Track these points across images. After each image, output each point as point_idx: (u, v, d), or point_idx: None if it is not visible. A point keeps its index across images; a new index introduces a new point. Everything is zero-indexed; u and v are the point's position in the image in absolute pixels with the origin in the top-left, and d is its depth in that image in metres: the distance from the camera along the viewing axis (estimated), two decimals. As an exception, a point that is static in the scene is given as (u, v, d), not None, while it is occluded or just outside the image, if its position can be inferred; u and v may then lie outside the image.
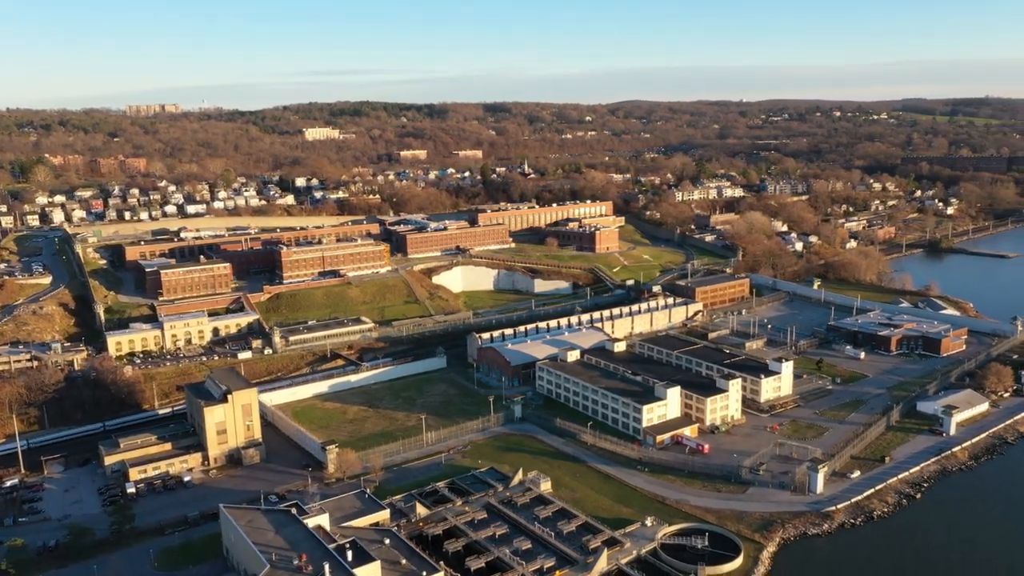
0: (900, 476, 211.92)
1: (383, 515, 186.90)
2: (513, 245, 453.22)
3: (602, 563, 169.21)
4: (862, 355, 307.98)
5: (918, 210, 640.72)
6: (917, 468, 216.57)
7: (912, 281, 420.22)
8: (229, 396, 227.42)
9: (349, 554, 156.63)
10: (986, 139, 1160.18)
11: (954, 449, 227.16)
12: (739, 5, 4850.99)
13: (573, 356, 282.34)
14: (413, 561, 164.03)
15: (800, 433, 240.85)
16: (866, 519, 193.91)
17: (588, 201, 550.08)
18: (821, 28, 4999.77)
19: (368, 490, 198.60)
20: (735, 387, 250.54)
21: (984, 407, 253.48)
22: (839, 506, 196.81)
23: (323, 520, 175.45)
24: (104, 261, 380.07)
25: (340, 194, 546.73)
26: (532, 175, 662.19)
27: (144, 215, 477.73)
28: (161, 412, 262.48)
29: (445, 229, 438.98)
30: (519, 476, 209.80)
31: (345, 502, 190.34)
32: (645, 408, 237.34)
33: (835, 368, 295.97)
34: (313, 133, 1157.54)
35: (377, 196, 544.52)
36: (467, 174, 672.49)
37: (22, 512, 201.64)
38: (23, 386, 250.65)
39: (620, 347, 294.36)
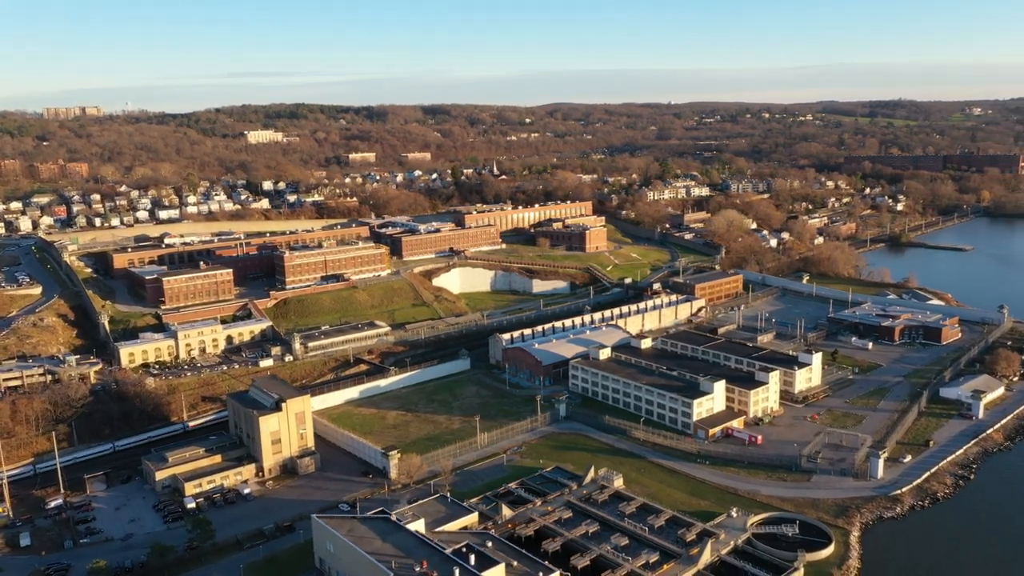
0: (948, 459, 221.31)
1: (472, 518, 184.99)
2: (504, 246, 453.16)
3: (707, 555, 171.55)
4: (870, 346, 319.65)
5: (872, 207, 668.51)
6: (961, 451, 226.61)
7: (891, 274, 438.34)
8: (283, 404, 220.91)
9: (472, 558, 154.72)
10: (911, 139, 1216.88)
11: (988, 431, 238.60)
12: (660, 10, 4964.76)
13: (605, 354, 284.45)
14: (523, 563, 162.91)
15: (839, 422, 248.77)
16: (932, 501, 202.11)
17: (565, 202, 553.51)
18: (740, 31, 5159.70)
19: (448, 494, 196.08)
20: (775, 379, 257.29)
21: (1001, 391, 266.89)
22: (904, 489, 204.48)
23: (419, 526, 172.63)
24: (89, 269, 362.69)
25: (316, 197, 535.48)
26: (503, 177, 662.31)
27: (116, 221, 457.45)
28: (191, 424, 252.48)
29: (438, 231, 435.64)
30: (591, 474, 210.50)
31: (429, 507, 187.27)
32: (695, 402, 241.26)
33: (850, 359, 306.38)
34: (255, 136, 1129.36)
35: (354, 199, 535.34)
36: (435, 176, 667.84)
37: (79, 533, 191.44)
38: (47, 401, 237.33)
39: (646, 344, 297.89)
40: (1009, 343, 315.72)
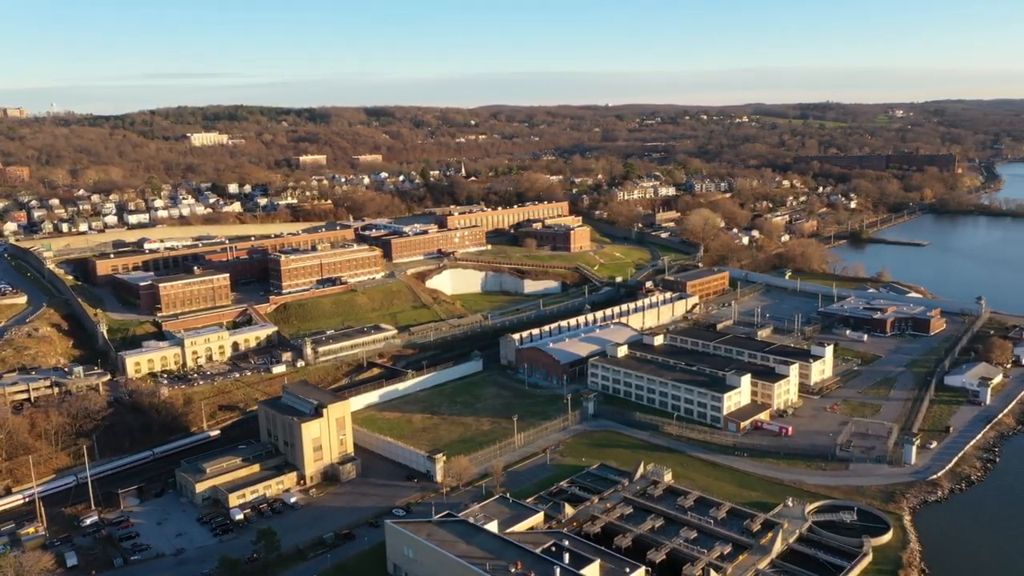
0: (971, 443, 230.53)
1: (538, 518, 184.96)
2: (490, 247, 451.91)
3: (778, 544, 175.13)
4: (865, 338, 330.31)
5: (828, 205, 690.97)
6: (979, 435, 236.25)
7: (864, 269, 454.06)
8: (324, 410, 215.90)
9: (566, 556, 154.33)
10: (847, 140, 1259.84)
11: (1000, 416, 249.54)
12: (586, 13, 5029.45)
13: (623, 352, 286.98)
14: (607, 560, 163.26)
15: (858, 411, 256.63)
16: (967, 484, 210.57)
17: (538, 203, 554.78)
18: (670, 34, 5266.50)
19: (508, 495, 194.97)
20: (794, 372, 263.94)
21: (1000, 378, 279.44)
22: (940, 474, 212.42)
23: (494, 528, 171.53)
24: (71, 277, 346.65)
25: (289, 199, 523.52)
26: (473, 178, 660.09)
27: (84, 226, 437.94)
28: (212, 434, 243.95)
29: (426, 233, 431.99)
30: (641, 470, 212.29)
31: (493, 508, 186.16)
32: (725, 396, 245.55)
33: (850, 351, 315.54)
34: (199, 138, 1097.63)
35: (328, 201, 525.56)
36: (402, 177, 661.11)
37: (126, 550, 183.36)
38: (64, 415, 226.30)
39: (658, 340, 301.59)
40: (992, 332, 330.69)
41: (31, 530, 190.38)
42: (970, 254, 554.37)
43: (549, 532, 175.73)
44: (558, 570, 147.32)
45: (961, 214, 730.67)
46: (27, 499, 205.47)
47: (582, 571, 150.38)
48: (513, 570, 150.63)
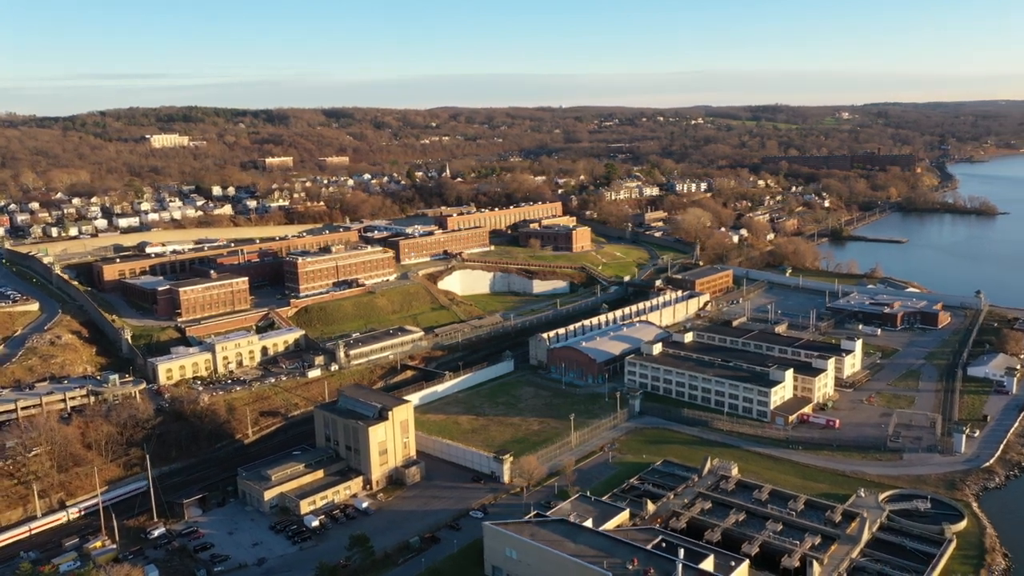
0: (1011, 431, 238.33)
1: (624, 515, 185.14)
2: (493, 248, 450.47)
3: (866, 533, 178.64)
4: (878, 332, 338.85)
5: (804, 204, 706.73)
6: (1016, 423, 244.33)
7: (857, 266, 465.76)
8: (388, 413, 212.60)
9: (681, 552, 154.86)
10: (805, 142, 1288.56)
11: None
12: (526, 13, 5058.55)
13: (657, 349, 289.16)
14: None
15: (893, 403, 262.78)
16: (1020, 470, 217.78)
17: (528, 203, 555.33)
18: (614, 36, 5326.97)
19: (589, 494, 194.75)
20: (831, 366, 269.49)
21: (1020, 367, 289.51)
22: (992, 461, 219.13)
23: (589, 526, 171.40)
24: (75, 282, 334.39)
25: (281, 201, 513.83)
26: (459, 179, 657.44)
27: (73, 231, 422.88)
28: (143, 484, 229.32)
29: (432, 234, 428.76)
30: (708, 465, 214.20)
31: (579, 507, 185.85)
32: (772, 391, 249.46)
33: (868, 345, 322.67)
34: (160, 140, 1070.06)
35: (321, 203, 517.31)
36: (386, 179, 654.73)
37: (205, 562, 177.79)
38: (113, 424, 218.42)
39: (688, 337, 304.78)
40: (996, 324, 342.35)
41: (98, 544, 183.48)
42: (948, 250, 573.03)
43: (642, 529, 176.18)
44: (680, 566, 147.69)
45: (927, 212, 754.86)
46: (83, 512, 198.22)
47: (699, 566, 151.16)
48: (631, 567, 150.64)
